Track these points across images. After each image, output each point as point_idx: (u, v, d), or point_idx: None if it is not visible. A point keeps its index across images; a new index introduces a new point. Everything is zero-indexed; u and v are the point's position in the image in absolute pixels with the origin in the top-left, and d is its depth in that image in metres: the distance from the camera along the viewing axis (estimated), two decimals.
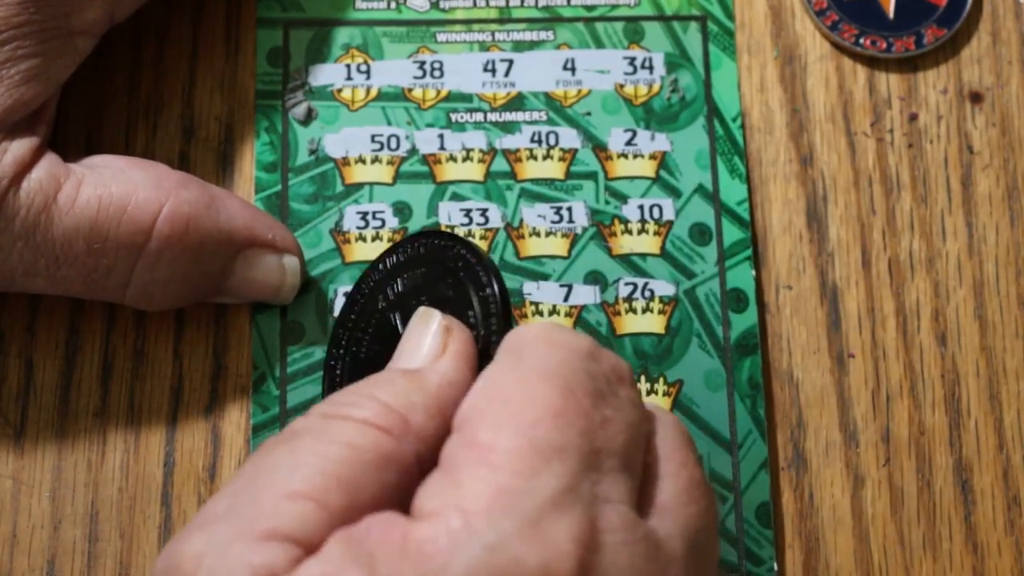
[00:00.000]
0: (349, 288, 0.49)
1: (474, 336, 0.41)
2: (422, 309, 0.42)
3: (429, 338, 0.41)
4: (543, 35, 0.53)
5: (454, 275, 0.43)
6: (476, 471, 0.35)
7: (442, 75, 0.52)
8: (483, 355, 0.41)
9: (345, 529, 0.35)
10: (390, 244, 0.50)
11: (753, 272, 0.50)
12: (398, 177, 0.51)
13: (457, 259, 0.43)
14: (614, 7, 0.53)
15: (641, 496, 0.38)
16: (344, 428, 0.37)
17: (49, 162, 0.45)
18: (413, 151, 0.51)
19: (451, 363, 0.40)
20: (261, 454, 0.37)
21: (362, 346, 0.45)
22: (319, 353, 0.49)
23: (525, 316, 0.49)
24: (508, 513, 0.34)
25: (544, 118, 0.52)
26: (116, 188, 0.45)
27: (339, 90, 0.52)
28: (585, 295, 0.50)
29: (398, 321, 0.44)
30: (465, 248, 0.43)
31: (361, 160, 0.51)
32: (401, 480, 0.37)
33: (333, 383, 0.46)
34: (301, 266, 0.49)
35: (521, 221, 0.50)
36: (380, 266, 0.45)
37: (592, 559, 0.35)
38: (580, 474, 0.35)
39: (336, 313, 0.49)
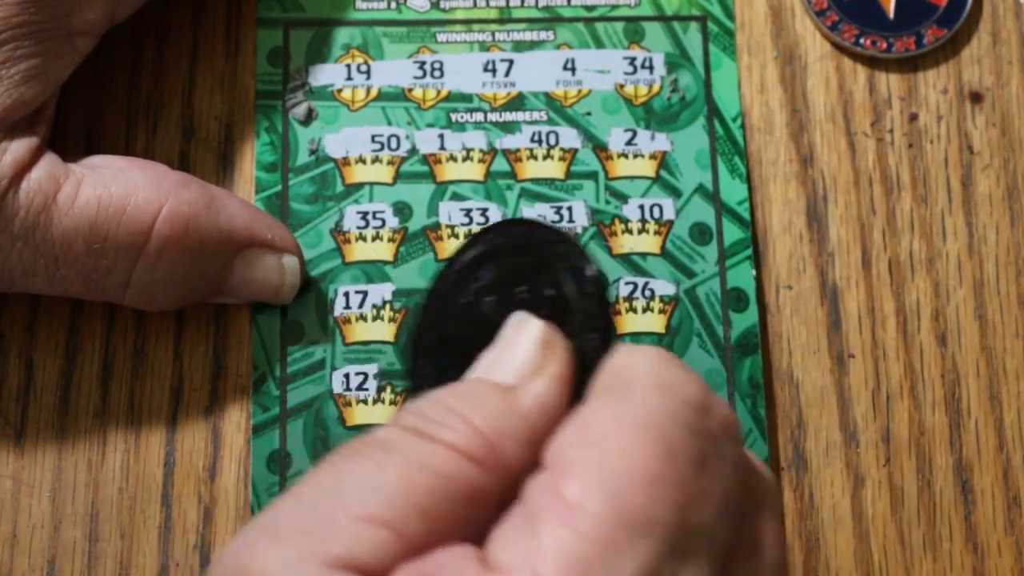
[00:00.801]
0: (349, 288, 0.49)
1: (573, 346, 0.39)
2: (522, 316, 0.39)
3: (526, 353, 0.38)
4: (543, 35, 0.53)
5: (555, 274, 0.40)
6: (557, 530, 0.33)
7: (442, 75, 0.52)
8: (581, 367, 0.38)
9: (415, 563, 0.33)
10: (389, 242, 0.50)
11: (753, 272, 0.50)
12: (398, 177, 0.51)
13: (561, 258, 0.40)
14: (614, 7, 0.53)
15: (720, 572, 0.36)
16: (435, 453, 0.35)
17: (48, 162, 0.45)
18: (413, 151, 0.51)
19: (548, 386, 0.37)
20: (345, 460, 0.36)
21: (451, 324, 0.44)
22: (319, 353, 0.49)
23: None
24: None
25: (544, 118, 0.52)
26: (116, 188, 0.45)
27: (339, 90, 0.52)
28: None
29: (492, 306, 0.42)
30: (570, 247, 0.40)
31: (361, 160, 0.51)
32: (483, 513, 0.35)
33: (417, 351, 0.44)
34: (301, 266, 0.49)
35: (523, 217, 0.50)
36: (478, 244, 0.43)
37: None
38: (664, 555, 0.33)
39: (336, 312, 0.49)
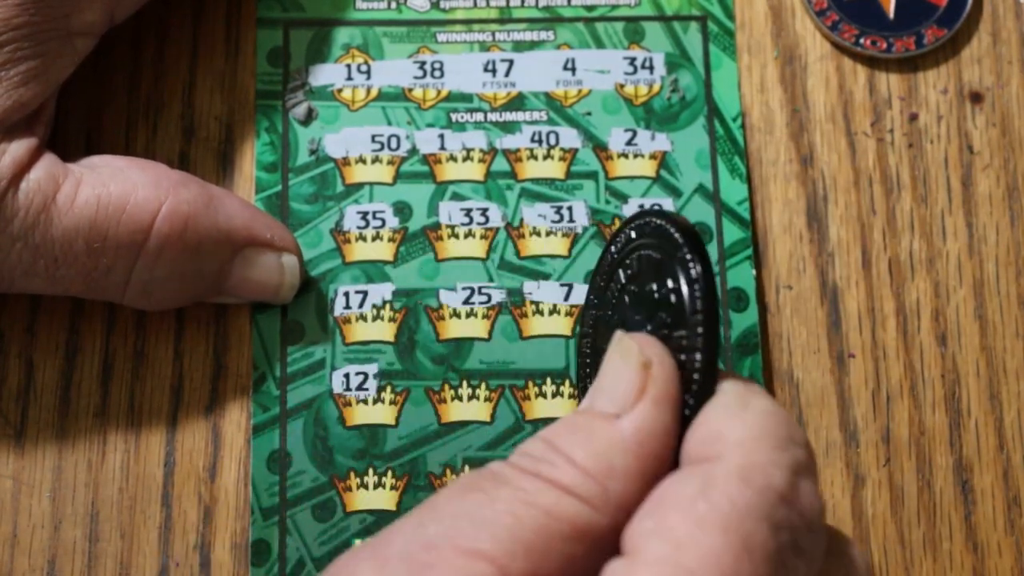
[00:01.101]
0: (349, 288, 0.49)
1: (682, 360, 0.38)
2: (619, 335, 0.39)
3: (626, 378, 0.38)
4: (543, 35, 0.53)
5: (677, 280, 0.39)
6: None
7: (442, 75, 0.52)
8: (686, 387, 0.38)
9: None
10: (381, 243, 0.50)
11: (753, 272, 0.50)
12: (398, 177, 0.51)
13: (683, 264, 0.39)
14: (614, 7, 0.53)
15: None
16: (545, 493, 0.35)
17: (48, 162, 0.45)
18: (413, 151, 0.51)
19: (648, 411, 0.37)
20: (452, 493, 0.36)
21: (610, 307, 0.43)
22: (319, 353, 0.49)
23: (526, 316, 0.49)
24: None
25: (544, 118, 0.52)
26: (115, 188, 0.45)
27: (339, 90, 0.52)
28: (585, 294, 0.50)
29: (632, 299, 0.42)
30: (692, 253, 0.39)
31: (361, 160, 0.51)
32: (590, 550, 0.35)
33: (586, 331, 0.45)
34: (300, 266, 0.49)
35: (521, 220, 0.50)
36: (631, 228, 0.43)
37: None
38: None
39: (336, 312, 0.49)
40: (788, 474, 0.35)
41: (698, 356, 0.38)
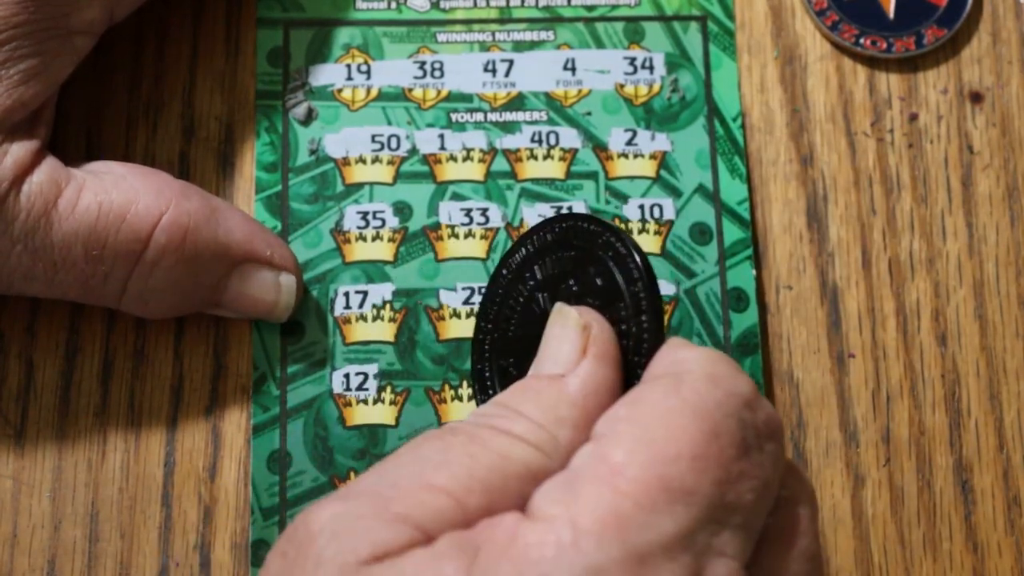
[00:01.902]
0: (349, 288, 0.49)
1: (624, 330, 0.40)
2: (559, 306, 0.41)
3: (568, 341, 0.40)
4: (543, 35, 0.53)
5: (603, 263, 0.42)
6: (599, 488, 0.35)
7: (442, 75, 0.52)
8: (635, 351, 0.40)
9: (463, 530, 0.35)
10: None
11: (754, 272, 0.50)
12: (398, 177, 0.51)
13: (607, 247, 0.42)
14: (614, 7, 0.53)
15: (755, 557, 0.37)
16: (498, 438, 0.37)
17: (50, 166, 0.45)
18: (413, 151, 0.51)
19: (592, 367, 0.39)
20: (414, 444, 0.38)
21: (510, 324, 0.45)
22: (319, 353, 0.49)
23: None
24: (619, 542, 0.34)
25: (544, 118, 0.52)
26: (117, 195, 0.45)
27: (339, 90, 0.52)
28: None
29: (546, 303, 0.43)
30: (615, 236, 0.42)
31: (361, 160, 0.51)
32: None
33: (482, 358, 0.46)
34: (298, 286, 0.48)
35: (521, 221, 0.50)
36: (528, 243, 0.45)
37: None
38: (701, 522, 0.35)
39: (336, 312, 0.49)
40: (749, 387, 0.38)
41: (644, 319, 0.40)
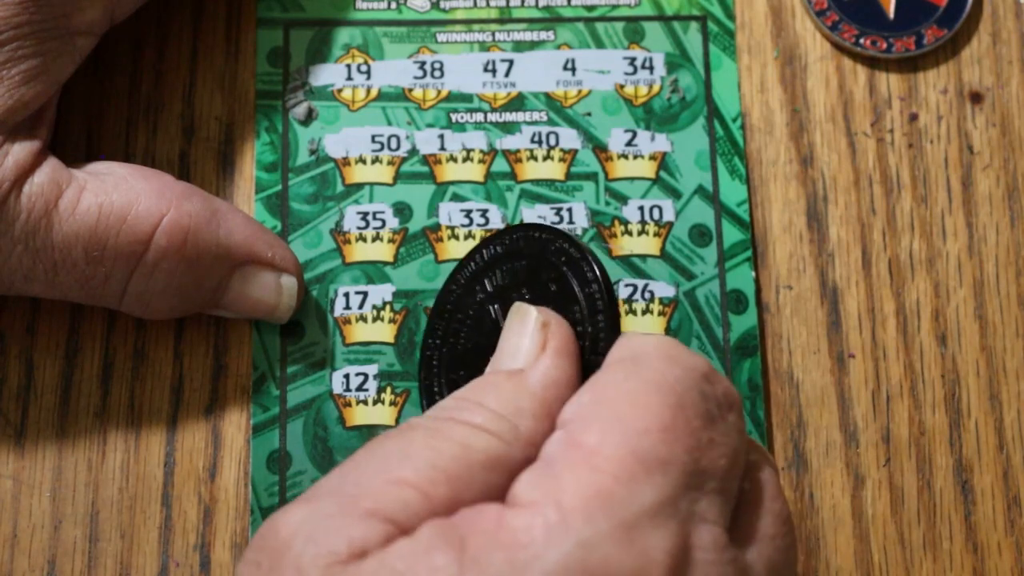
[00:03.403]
0: (349, 288, 0.49)
1: (580, 331, 0.41)
2: (517, 305, 0.42)
3: (527, 336, 0.41)
4: (543, 35, 0.53)
5: (556, 269, 0.42)
6: (577, 470, 0.35)
7: (442, 75, 0.52)
8: (592, 350, 0.41)
9: (441, 517, 0.36)
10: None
11: (753, 273, 0.50)
12: (398, 177, 0.51)
13: (559, 253, 0.42)
14: (614, 7, 0.53)
15: (733, 522, 0.38)
16: (457, 429, 0.38)
17: (51, 167, 0.45)
18: (413, 151, 0.51)
19: (551, 361, 0.40)
20: (374, 443, 0.38)
21: (460, 337, 0.45)
22: (319, 353, 0.49)
23: None
24: (605, 515, 0.34)
25: (544, 118, 0.52)
26: (117, 197, 0.45)
27: (339, 90, 0.52)
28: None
29: (498, 314, 0.44)
30: (567, 242, 0.42)
31: (361, 160, 0.51)
32: (506, 482, 0.37)
33: (430, 373, 0.46)
34: (300, 287, 0.48)
35: (521, 222, 0.50)
36: (477, 257, 0.45)
37: (681, 573, 0.35)
38: (680, 490, 0.36)
39: (336, 313, 0.49)
40: (705, 363, 0.39)
41: (600, 318, 0.41)
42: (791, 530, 0.40)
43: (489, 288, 0.44)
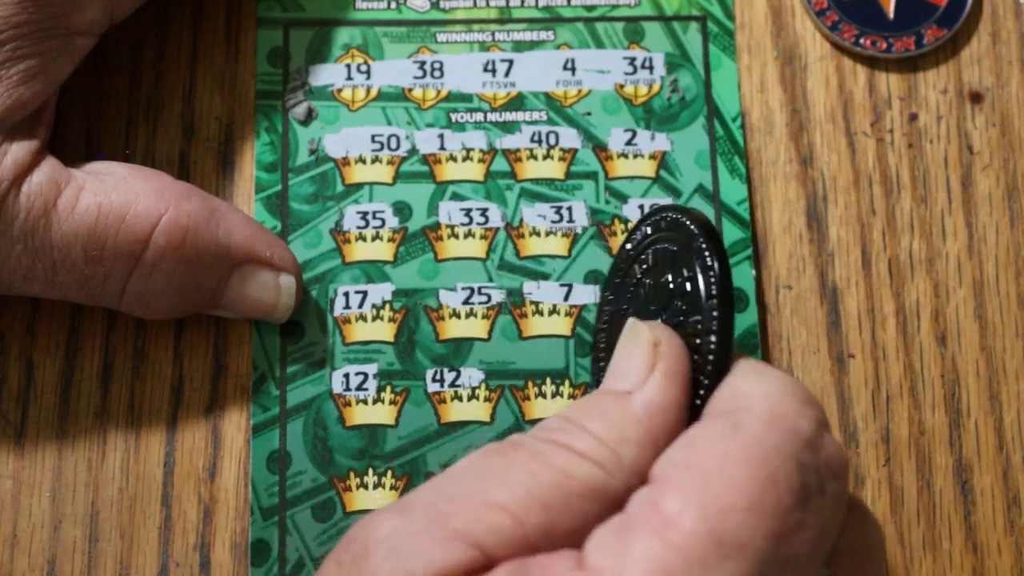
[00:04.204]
0: (349, 288, 0.49)
1: (700, 344, 0.40)
2: (631, 322, 0.41)
3: (638, 358, 0.40)
4: (543, 35, 0.53)
5: (693, 269, 0.41)
6: (650, 541, 0.34)
7: (442, 75, 0.52)
8: (702, 369, 0.40)
9: (519, 561, 0.35)
10: (388, 238, 0.50)
11: (753, 272, 0.50)
12: (398, 177, 0.51)
13: (699, 253, 0.41)
14: (614, 7, 0.53)
15: None
16: (559, 454, 0.37)
17: (50, 167, 0.45)
18: (413, 151, 0.51)
19: (659, 386, 0.39)
20: (476, 457, 0.38)
21: (624, 302, 0.45)
22: (319, 352, 0.49)
23: (525, 316, 0.49)
24: None
25: (544, 118, 0.52)
26: (116, 196, 0.45)
27: (339, 90, 0.52)
28: (585, 294, 0.50)
29: (648, 291, 0.44)
30: (706, 242, 0.41)
31: (361, 160, 0.51)
32: (605, 512, 0.36)
33: (601, 327, 0.46)
34: (298, 287, 0.48)
35: (521, 221, 0.50)
36: (647, 224, 0.45)
37: None
38: None
39: (336, 312, 0.49)
40: (813, 424, 0.37)
41: (713, 338, 0.39)
42: None
43: (650, 262, 0.44)
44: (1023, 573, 0.48)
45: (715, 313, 0.40)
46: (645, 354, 0.39)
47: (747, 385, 0.38)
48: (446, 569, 0.34)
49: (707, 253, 0.41)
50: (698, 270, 0.41)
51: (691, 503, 0.34)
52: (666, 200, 0.51)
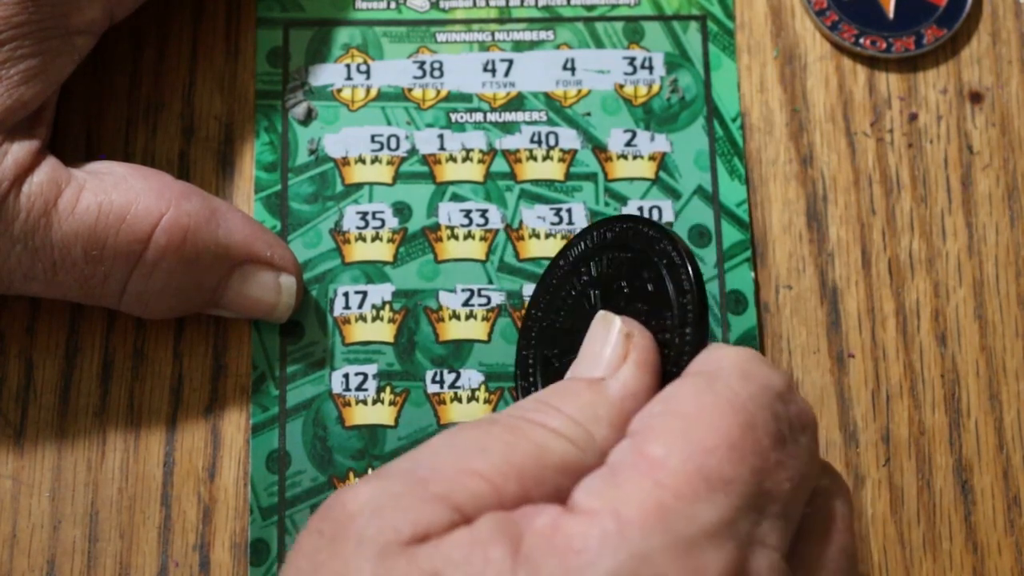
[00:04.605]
0: (349, 288, 0.49)
1: (668, 339, 0.41)
2: (602, 313, 0.42)
3: (610, 346, 0.41)
4: (543, 35, 0.53)
5: (656, 269, 0.42)
6: (640, 482, 0.35)
7: (442, 75, 0.52)
8: (675, 362, 0.41)
9: (501, 511, 0.36)
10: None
11: (752, 274, 0.50)
12: (398, 177, 0.51)
13: (662, 254, 0.42)
14: (614, 7, 0.53)
15: (795, 549, 0.38)
16: (535, 430, 0.38)
17: (50, 166, 0.45)
18: (413, 151, 0.51)
19: (632, 372, 0.40)
20: (452, 432, 0.38)
21: (560, 314, 0.46)
22: (319, 353, 0.49)
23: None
24: (663, 530, 0.34)
25: (544, 118, 0.52)
26: (117, 196, 0.45)
27: (339, 90, 0.52)
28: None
29: (597, 301, 0.44)
30: (671, 245, 0.42)
31: (361, 160, 0.51)
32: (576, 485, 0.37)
33: (528, 343, 0.46)
34: (299, 287, 0.48)
35: (521, 222, 0.50)
36: (587, 239, 0.45)
37: None
38: (742, 511, 0.35)
39: (336, 313, 0.49)
40: (783, 381, 0.38)
41: (687, 331, 0.41)
42: (855, 567, 0.39)
43: (594, 272, 0.45)
44: (1023, 573, 0.48)
45: (690, 307, 0.41)
46: (618, 343, 0.41)
47: (717, 352, 0.39)
48: (431, 527, 0.35)
49: (673, 253, 0.42)
50: (663, 269, 0.42)
51: (675, 446, 0.36)
52: (665, 202, 0.51)
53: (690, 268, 0.41)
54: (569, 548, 0.34)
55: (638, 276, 0.43)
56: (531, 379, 0.46)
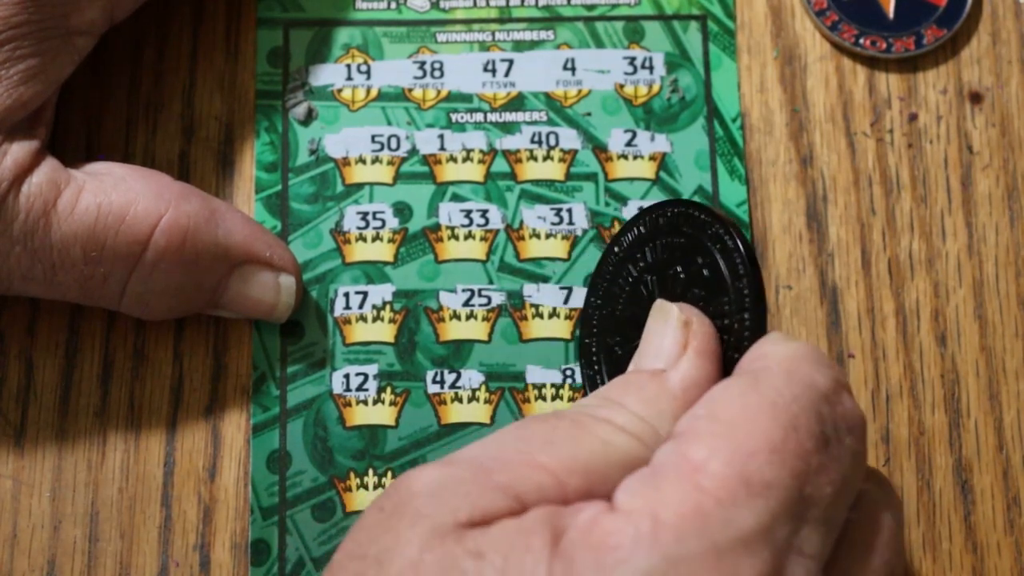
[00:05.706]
0: (349, 288, 0.49)
1: (727, 324, 0.41)
2: (659, 303, 0.42)
3: (669, 337, 0.41)
4: (543, 35, 0.53)
5: (710, 254, 0.42)
6: (680, 485, 0.35)
7: (442, 75, 0.52)
8: (736, 347, 0.41)
9: (555, 504, 0.36)
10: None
11: None
12: (398, 177, 0.51)
13: (716, 239, 0.42)
14: (614, 7, 0.53)
15: (834, 556, 0.37)
16: (600, 427, 0.38)
17: (49, 167, 0.45)
18: (413, 151, 0.51)
19: (692, 362, 0.40)
20: (520, 424, 0.39)
21: (619, 302, 0.46)
22: (319, 353, 0.49)
23: (525, 318, 0.49)
24: (698, 536, 0.34)
25: (544, 118, 0.52)
26: (116, 197, 0.45)
27: (339, 90, 0.52)
28: (586, 297, 0.50)
29: (654, 287, 0.44)
30: (724, 229, 0.42)
31: (361, 160, 0.51)
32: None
33: (590, 332, 0.47)
34: (298, 287, 0.48)
35: (521, 222, 0.50)
36: (640, 224, 0.45)
37: None
38: (780, 517, 0.35)
39: (336, 313, 0.49)
40: (830, 381, 0.38)
41: (746, 315, 0.41)
42: None
43: (649, 259, 0.45)
44: (1023, 573, 0.48)
45: (746, 292, 0.41)
46: (677, 333, 0.41)
47: (770, 348, 0.39)
48: (487, 513, 0.35)
49: (726, 238, 0.42)
50: (717, 254, 0.42)
51: (717, 450, 0.36)
52: None
53: (744, 252, 0.41)
54: (604, 545, 0.34)
55: (693, 261, 0.43)
56: (596, 367, 0.46)
